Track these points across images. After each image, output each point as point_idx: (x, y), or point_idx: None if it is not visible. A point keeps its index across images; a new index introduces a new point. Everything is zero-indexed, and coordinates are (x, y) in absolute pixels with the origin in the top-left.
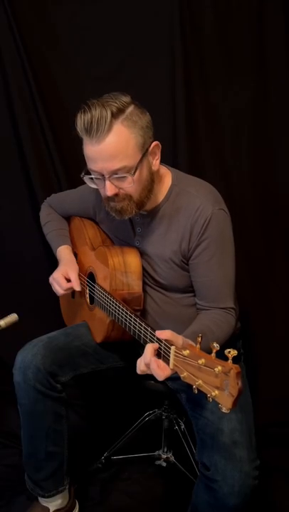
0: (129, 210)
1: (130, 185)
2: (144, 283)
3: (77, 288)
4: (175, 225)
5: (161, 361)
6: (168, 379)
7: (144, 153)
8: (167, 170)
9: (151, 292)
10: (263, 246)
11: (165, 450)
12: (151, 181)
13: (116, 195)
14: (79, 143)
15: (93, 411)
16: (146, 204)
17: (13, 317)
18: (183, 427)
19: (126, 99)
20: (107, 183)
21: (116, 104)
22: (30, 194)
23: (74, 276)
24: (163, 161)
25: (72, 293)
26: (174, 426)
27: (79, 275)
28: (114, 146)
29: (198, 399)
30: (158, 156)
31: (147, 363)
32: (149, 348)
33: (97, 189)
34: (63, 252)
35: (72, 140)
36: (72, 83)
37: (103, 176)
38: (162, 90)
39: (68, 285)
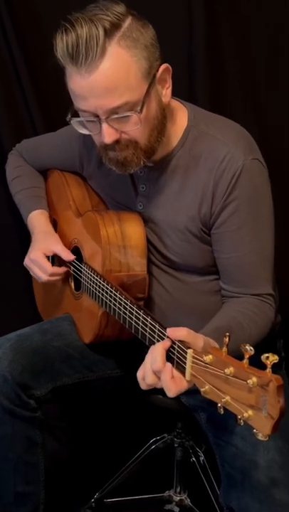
0: (136, 161)
1: (136, 127)
2: (150, 261)
3: (69, 257)
4: (193, 181)
5: (175, 371)
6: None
7: (152, 81)
8: (181, 105)
9: (158, 274)
10: None
11: (178, 490)
12: (163, 118)
13: (117, 141)
14: (61, 73)
15: (79, 436)
16: (157, 151)
17: None
18: (202, 458)
19: (120, 9)
20: (105, 126)
21: (108, 18)
22: None
23: (60, 248)
24: (174, 96)
25: None
26: (190, 457)
27: None
28: (111, 75)
29: (224, 420)
30: (169, 84)
31: (157, 370)
32: (159, 349)
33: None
34: (37, 220)
35: (51, 69)
36: None
37: (98, 117)
38: None
39: (54, 269)
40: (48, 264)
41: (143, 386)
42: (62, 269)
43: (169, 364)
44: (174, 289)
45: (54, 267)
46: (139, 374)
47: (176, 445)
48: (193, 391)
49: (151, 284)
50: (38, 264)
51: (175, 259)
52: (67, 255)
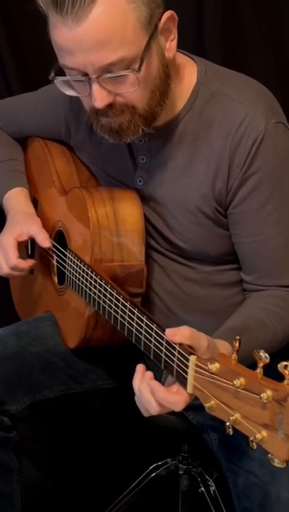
0: (133, 129)
1: (133, 89)
2: (152, 248)
3: (44, 243)
4: (204, 151)
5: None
6: (188, 408)
7: (153, 32)
8: (189, 60)
9: (163, 263)
10: None
11: None
12: (166, 77)
13: (110, 106)
14: (43, 22)
15: (63, 461)
16: (159, 116)
17: None
18: (213, 488)
19: None
20: (96, 87)
21: None
22: None
23: (37, 228)
24: (180, 48)
25: None
26: (199, 486)
27: None
28: (104, 25)
29: (240, 441)
30: (174, 35)
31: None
32: (147, 394)
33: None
34: (15, 200)
35: (31, 17)
36: None
37: (87, 76)
38: None
39: (19, 262)
40: (13, 255)
41: (151, 411)
42: (28, 263)
43: (156, 383)
44: (182, 279)
45: (19, 260)
46: (138, 398)
47: (181, 472)
48: (201, 407)
49: (154, 275)
50: (4, 251)
51: (183, 246)
52: (43, 240)
